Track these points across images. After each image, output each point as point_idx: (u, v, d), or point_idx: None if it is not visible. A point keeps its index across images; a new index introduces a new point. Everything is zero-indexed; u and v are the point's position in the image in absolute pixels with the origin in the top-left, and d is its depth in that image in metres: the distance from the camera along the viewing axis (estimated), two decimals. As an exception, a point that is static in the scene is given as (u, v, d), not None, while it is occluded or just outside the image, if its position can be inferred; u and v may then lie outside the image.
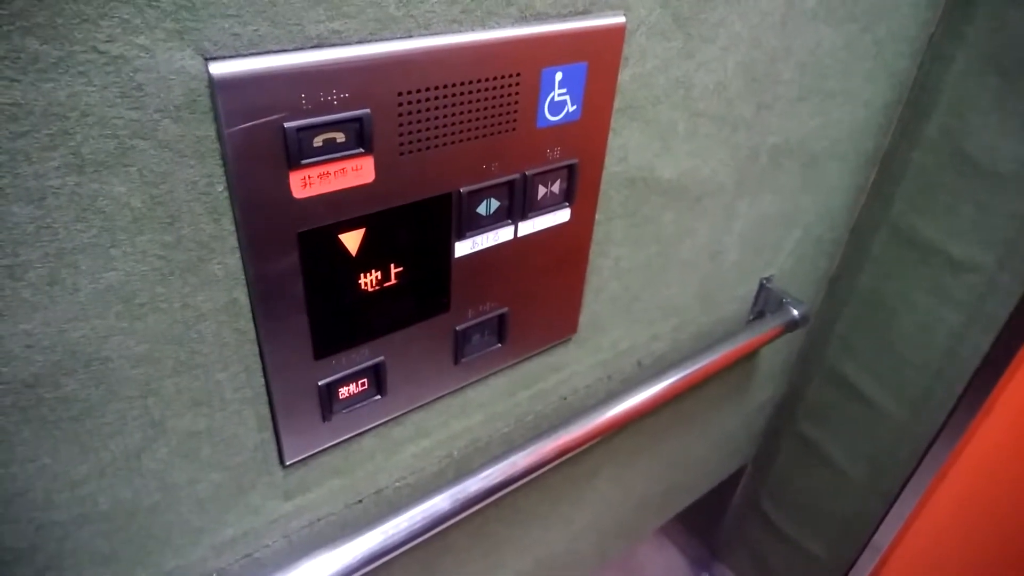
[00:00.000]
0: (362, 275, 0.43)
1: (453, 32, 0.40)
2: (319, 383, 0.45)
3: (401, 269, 0.45)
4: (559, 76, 0.46)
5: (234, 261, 0.38)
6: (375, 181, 0.40)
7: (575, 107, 0.48)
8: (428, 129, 0.41)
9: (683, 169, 0.62)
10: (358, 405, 0.49)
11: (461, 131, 0.43)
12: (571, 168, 0.51)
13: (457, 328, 0.52)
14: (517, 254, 0.52)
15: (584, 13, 0.46)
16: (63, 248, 0.32)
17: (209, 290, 0.38)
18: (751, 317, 0.90)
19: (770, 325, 0.85)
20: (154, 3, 0.30)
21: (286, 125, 0.35)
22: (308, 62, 0.35)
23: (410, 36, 0.38)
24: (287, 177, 0.37)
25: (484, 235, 0.48)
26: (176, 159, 0.33)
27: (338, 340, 0.45)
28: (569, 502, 0.83)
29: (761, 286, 0.87)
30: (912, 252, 0.89)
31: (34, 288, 0.32)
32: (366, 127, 0.38)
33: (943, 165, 0.82)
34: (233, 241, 0.37)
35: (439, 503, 0.55)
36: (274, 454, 0.47)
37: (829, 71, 0.70)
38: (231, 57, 0.33)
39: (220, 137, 0.34)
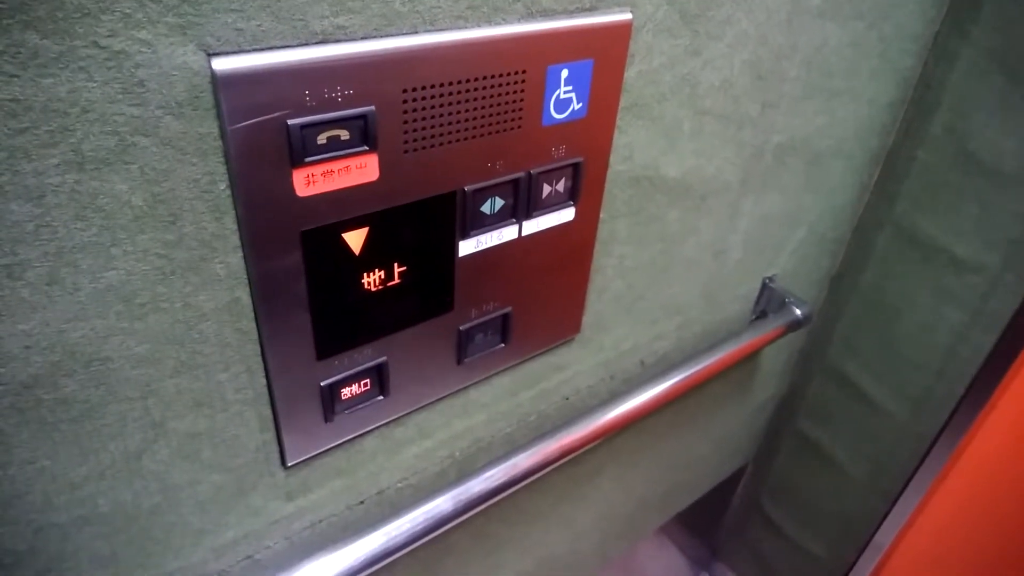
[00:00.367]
0: (365, 274, 0.43)
1: (459, 28, 0.39)
2: (321, 384, 0.45)
3: (405, 268, 0.44)
4: (565, 73, 0.45)
5: (236, 260, 0.37)
6: (379, 179, 0.40)
7: (581, 105, 0.48)
8: (433, 127, 0.41)
9: (688, 167, 0.61)
10: (360, 406, 0.48)
11: (466, 129, 0.42)
12: (576, 167, 0.50)
13: (460, 328, 0.51)
14: (521, 253, 0.51)
15: (591, 10, 0.45)
16: (63, 247, 0.31)
17: (211, 290, 0.37)
18: (754, 316, 0.89)
19: (773, 325, 0.84)
20: (156, -3, 0.29)
21: (289, 122, 0.35)
22: (312, 58, 0.34)
23: (415, 32, 0.38)
24: (290, 175, 0.36)
25: (488, 234, 0.48)
26: (178, 156, 0.33)
27: (341, 340, 0.44)
28: (571, 502, 0.82)
29: (764, 285, 0.86)
30: (915, 251, 0.88)
31: (33, 288, 0.31)
32: (370, 124, 0.37)
33: (947, 164, 0.82)
34: (235, 240, 0.37)
35: (441, 504, 0.55)
36: (276, 455, 0.46)
37: (835, 69, 0.69)
38: (234, 53, 0.32)
39: (223, 134, 0.33)
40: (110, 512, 0.40)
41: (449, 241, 0.46)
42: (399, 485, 0.56)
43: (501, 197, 0.47)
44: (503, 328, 0.55)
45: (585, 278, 0.59)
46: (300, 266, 0.39)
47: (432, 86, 0.39)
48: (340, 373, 0.45)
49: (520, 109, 0.44)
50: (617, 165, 0.54)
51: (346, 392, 0.47)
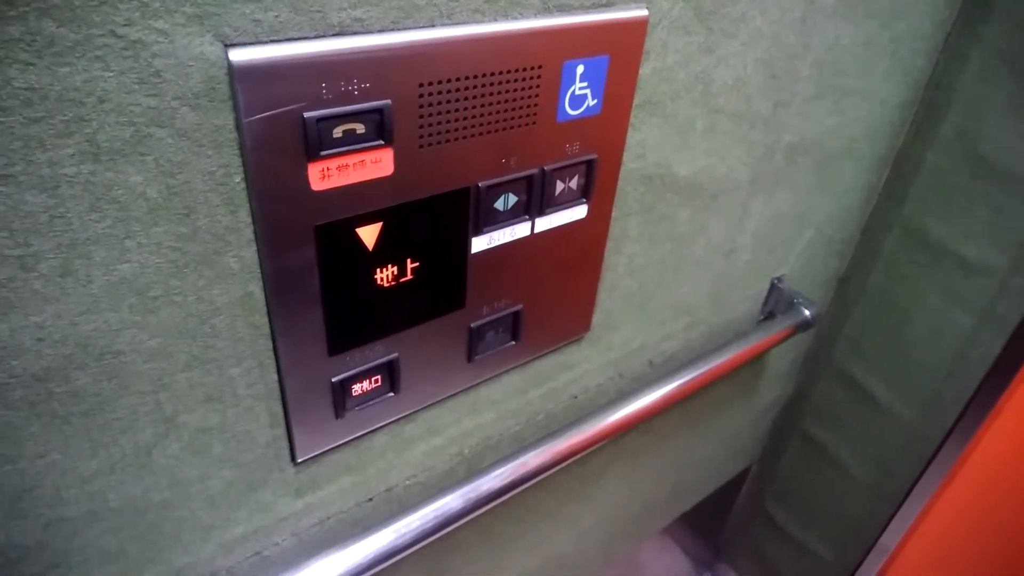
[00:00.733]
0: (378, 270, 0.42)
1: (476, 22, 0.39)
2: (333, 380, 0.44)
3: (417, 264, 0.44)
4: (581, 69, 0.45)
5: (250, 254, 0.37)
6: (394, 174, 0.39)
7: (596, 101, 0.47)
8: (448, 121, 0.40)
9: (700, 166, 0.61)
10: (371, 402, 0.48)
11: (481, 124, 0.42)
12: (590, 164, 0.50)
13: (472, 325, 0.51)
14: (533, 250, 0.51)
15: (607, 5, 0.45)
16: (76, 239, 0.31)
17: (224, 283, 0.37)
18: (762, 317, 0.89)
19: (781, 325, 0.84)
20: (174, -14, 0.29)
21: (306, 115, 0.34)
22: (329, 50, 0.34)
23: (433, 26, 0.37)
24: (306, 169, 0.36)
25: (501, 231, 0.48)
26: (193, 148, 0.32)
27: (353, 336, 0.44)
28: (577, 501, 0.82)
29: (772, 286, 0.86)
30: (924, 253, 0.88)
31: (46, 279, 0.31)
32: (386, 118, 0.37)
33: (957, 166, 0.82)
34: (249, 234, 0.36)
35: (450, 502, 0.54)
36: (286, 451, 0.46)
37: (847, 69, 0.69)
38: (251, 44, 0.32)
39: (238, 126, 0.33)
40: (120, 507, 0.40)
41: (462, 237, 0.46)
42: (408, 482, 0.56)
43: (514, 194, 0.47)
44: (514, 326, 0.54)
45: (596, 276, 0.59)
46: (313, 261, 0.39)
47: (448, 80, 0.39)
48: (351, 369, 0.45)
49: (535, 105, 0.44)
50: (630, 163, 0.54)
51: (357, 388, 0.46)
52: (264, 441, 0.44)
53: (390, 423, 0.51)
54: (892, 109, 0.80)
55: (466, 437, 0.59)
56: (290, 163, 0.35)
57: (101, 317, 0.33)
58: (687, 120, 0.56)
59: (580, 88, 0.46)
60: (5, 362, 0.32)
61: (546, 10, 0.42)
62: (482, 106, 0.41)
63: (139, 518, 0.41)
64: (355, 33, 0.35)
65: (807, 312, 0.85)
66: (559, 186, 0.49)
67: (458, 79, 0.39)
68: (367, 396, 0.47)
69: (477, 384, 0.56)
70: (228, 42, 0.31)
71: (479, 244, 0.47)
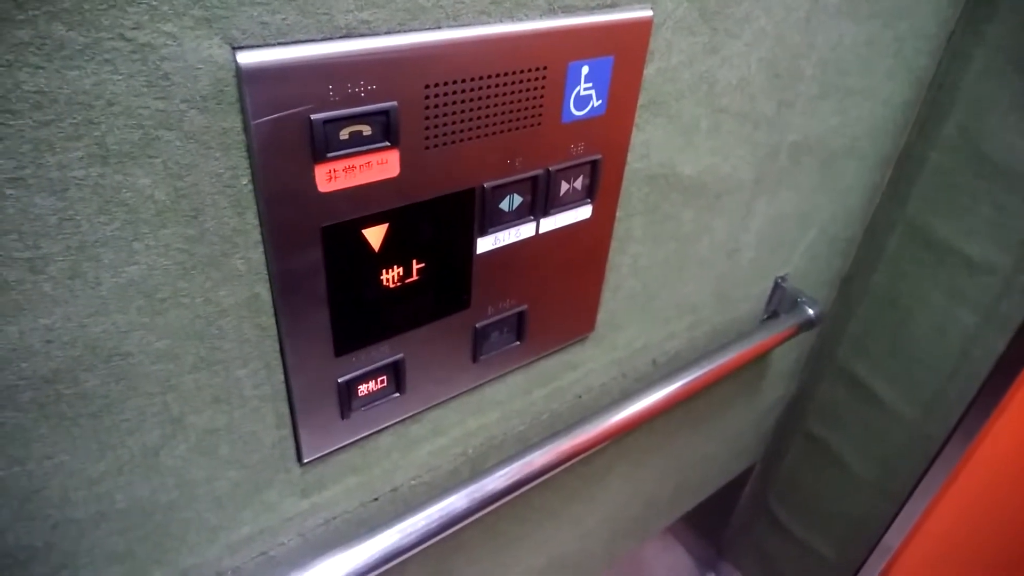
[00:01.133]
0: (384, 271, 0.42)
1: (482, 24, 0.39)
2: (339, 380, 0.45)
3: (423, 265, 0.44)
4: (585, 70, 0.45)
5: (257, 256, 0.37)
6: (400, 175, 0.39)
7: (600, 102, 0.47)
8: (454, 123, 0.40)
9: (704, 166, 0.61)
10: (377, 403, 0.48)
11: (486, 125, 0.42)
12: (594, 164, 0.50)
13: (477, 325, 0.51)
14: (538, 251, 0.51)
15: (612, 6, 0.45)
16: (85, 241, 0.31)
17: (231, 285, 0.37)
18: (765, 316, 0.89)
19: (784, 325, 0.84)
20: (182, -11, 0.29)
21: (313, 117, 0.34)
22: (336, 52, 0.34)
23: (439, 27, 0.38)
24: (312, 170, 0.36)
25: (506, 231, 0.48)
26: (201, 151, 0.32)
27: (359, 337, 0.44)
28: (581, 501, 0.82)
29: (776, 285, 0.86)
30: (927, 252, 0.88)
31: (55, 282, 0.31)
32: (392, 120, 0.37)
33: (961, 165, 0.81)
34: (257, 235, 0.36)
35: (455, 502, 0.55)
36: (292, 451, 0.46)
37: (850, 68, 0.69)
38: (259, 47, 0.32)
39: (246, 129, 0.33)
40: (127, 508, 0.40)
41: (467, 238, 0.46)
42: (413, 483, 0.56)
43: (519, 194, 0.47)
44: (518, 326, 0.54)
45: (600, 276, 0.59)
46: (320, 262, 0.39)
47: (454, 82, 0.39)
48: (357, 370, 0.45)
49: (540, 106, 0.44)
50: (634, 163, 0.54)
51: (363, 389, 0.46)
52: (270, 442, 0.44)
53: (395, 423, 0.51)
54: (895, 108, 0.80)
55: (471, 437, 0.59)
56: (297, 165, 0.35)
57: (109, 319, 0.34)
58: (691, 120, 0.56)
59: (585, 89, 0.46)
60: (14, 364, 0.32)
61: (551, 11, 0.42)
62: (487, 107, 0.41)
63: (146, 519, 0.41)
64: (362, 35, 0.35)
65: (810, 311, 0.85)
66: (564, 187, 0.49)
67: (464, 80, 0.39)
68: (373, 396, 0.47)
69: (482, 384, 0.56)
70: (236, 45, 0.31)
71: (484, 245, 0.47)
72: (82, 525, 0.38)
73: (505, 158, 0.44)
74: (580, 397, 0.68)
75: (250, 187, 0.35)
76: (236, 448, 0.43)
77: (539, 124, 0.45)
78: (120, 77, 0.29)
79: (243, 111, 0.33)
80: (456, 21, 0.38)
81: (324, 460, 0.48)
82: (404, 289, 0.44)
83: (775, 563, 1.30)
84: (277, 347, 0.41)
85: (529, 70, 0.42)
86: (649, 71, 0.50)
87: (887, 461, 1.02)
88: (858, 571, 1.11)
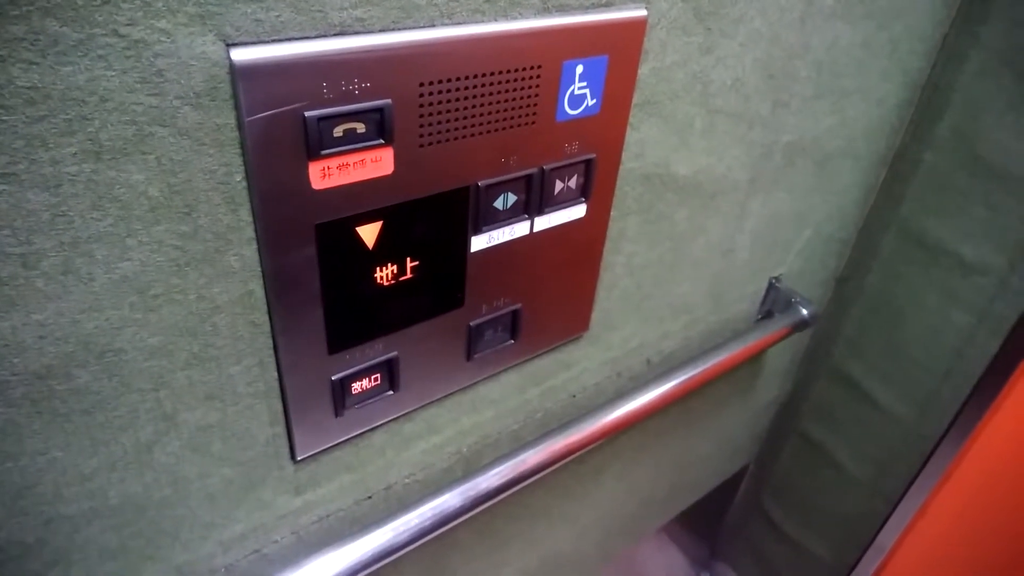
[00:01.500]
0: (378, 269, 0.42)
1: (476, 22, 0.39)
2: (332, 378, 0.45)
3: (417, 263, 0.44)
4: (580, 69, 0.45)
5: (251, 253, 0.37)
6: (394, 173, 0.40)
7: (594, 101, 0.47)
8: (448, 121, 0.40)
9: (698, 166, 0.61)
10: (371, 400, 0.48)
11: (481, 124, 0.42)
12: (589, 163, 0.50)
13: (471, 324, 0.51)
14: (532, 249, 0.51)
15: (606, 5, 0.45)
16: (78, 237, 0.31)
17: (225, 282, 0.37)
18: (759, 316, 0.89)
19: (779, 325, 0.84)
20: (176, -14, 0.29)
21: (307, 114, 0.34)
22: (330, 50, 0.34)
23: (433, 25, 0.38)
24: (306, 168, 0.36)
25: (500, 230, 0.48)
26: (195, 147, 0.32)
27: (353, 334, 0.44)
28: (575, 500, 0.82)
29: (770, 285, 0.86)
30: (922, 253, 0.88)
31: (48, 277, 0.31)
32: (387, 118, 0.37)
33: (955, 166, 0.82)
34: (250, 232, 0.36)
35: (448, 500, 0.55)
36: (285, 449, 0.46)
37: (845, 69, 0.69)
38: (253, 43, 0.32)
39: (240, 125, 0.33)
40: (120, 504, 0.40)
41: (462, 236, 0.46)
42: (407, 481, 0.56)
43: (514, 193, 0.47)
44: (513, 325, 0.54)
45: (595, 275, 0.59)
46: (314, 259, 0.39)
47: (448, 80, 0.39)
48: (351, 367, 0.45)
49: (535, 104, 0.44)
50: (629, 162, 0.54)
51: (357, 387, 0.46)
52: (264, 439, 0.44)
53: (389, 421, 0.51)
54: (890, 109, 0.80)
55: (465, 436, 0.59)
56: (291, 162, 0.35)
57: (102, 315, 0.34)
58: (686, 120, 0.56)
59: (579, 88, 0.46)
60: (7, 360, 0.32)
61: (545, 10, 0.42)
62: (482, 105, 0.41)
63: (139, 515, 0.41)
64: (356, 33, 0.35)
65: (805, 311, 0.85)
66: (558, 185, 0.49)
67: (458, 79, 0.39)
68: (367, 394, 0.48)
69: (476, 383, 0.56)
70: (230, 41, 0.31)
71: (478, 243, 0.47)
72: (75, 521, 0.38)
73: (499, 157, 0.44)
74: (574, 396, 0.68)
75: (244, 184, 0.35)
76: (229, 445, 0.43)
77: (533, 123, 0.45)
78: (114, 73, 0.29)
79: (237, 108, 0.33)
80: (450, 19, 0.38)
81: (318, 458, 0.48)
82: (398, 287, 0.44)
83: (769, 563, 1.30)
84: (271, 344, 0.41)
85: (523, 69, 0.42)
86: (643, 71, 0.50)
87: (881, 461, 1.02)
88: (852, 571, 1.11)
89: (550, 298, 0.56)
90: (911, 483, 0.98)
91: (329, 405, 0.46)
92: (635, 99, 0.51)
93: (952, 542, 1.04)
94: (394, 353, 0.47)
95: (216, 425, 0.41)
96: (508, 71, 0.41)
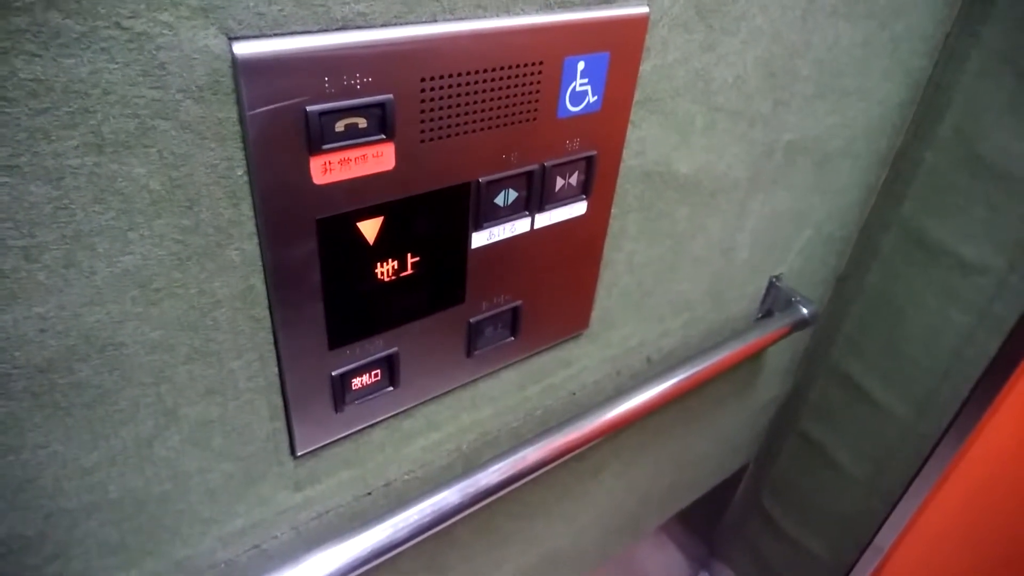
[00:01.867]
0: (379, 264, 0.42)
1: (478, 17, 0.39)
2: (333, 373, 0.45)
3: (418, 259, 0.44)
4: (581, 66, 0.45)
5: (252, 247, 0.37)
6: (395, 168, 0.40)
7: (596, 98, 0.47)
8: (449, 116, 0.40)
9: (699, 164, 0.61)
10: (371, 396, 0.48)
11: (482, 119, 0.42)
12: (590, 160, 0.50)
13: (471, 320, 0.51)
14: (533, 246, 0.51)
15: (608, 2, 0.45)
16: (80, 230, 0.31)
17: (226, 276, 0.37)
18: (759, 315, 0.89)
19: (779, 324, 0.84)
20: (179, -21, 0.29)
21: (308, 109, 0.34)
22: (332, 44, 0.34)
23: (435, 21, 0.38)
24: (308, 162, 0.36)
25: (501, 226, 0.48)
26: (197, 141, 0.32)
27: (353, 330, 0.44)
28: (574, 498, 0.82)
29: (771, 284, 0.86)
30: (922, 253, 0.88)
31: (49, 271, 0.31)
32: (388, 113, 0.37)
33: (956, 166, 0.82)
34: (251, 227, 0.36)
35: (448, 497, 0.55)
36: (285, 444, 0.46)
37: (846, 68, 0.69)
38: (255, 37, 0.32)
39: (242, 120, 0.33)
40: (120, 499, 0.40)
41: (462, 232, 0.46)
42: (406, 477, 0.56)
43: (515, 189, 0.47)
44: (513, 322, 0.54)
45: (595, 273, 0.59)
46: (315, 254, 0.39)
47: (450, 75, 0.39)
48: (351, 363, 0.45)
49: (536, 101, 0.44)
50: (629, 160, 0.54)
51: (357, 382, 0.46)
52: (264, 434, 0.44)
53: (389, 418, 0.51)
54: (891, 108, 0.80)
55: (464, 432, 0.59)
56: (292, 157, 0.35)
57: (104, 309, 0.34)
58: (687, 118, 0.56)
59: (581, 84, 0.46)
60: (8, 353, 0.32)
61: (547, 6, 0.42)
62: (483, 101, 0.41)
63: (139, 510, 0.41)
64: (358, 27, 0.35)
65: (805, 311, 0.85)
66: (559, 182, 0.49)
67: (460, 74, 0.39)
68: (367, 390, 0.48)
69: (476, 380, 0.56)
70: (232, 35, 0.31)
71: (479, 239, 0.47)
72: (75, 515, 0.38)
73: (500, 153, 0.44)
74: (574, 394, 0.68)
75: (245, 178, 0.35)
76: (229, 440, 0.43)
77: (535, 119, 0.45)
78: (116, 66, 0.29)
79: (239, 102, 0.33)
80: (452, 15, 0.38)
81: (317, 453, 0.48)
82: (399, 283, 0.44)
83: (768, 562, 1.31)
84: (271, 339, 0.41)
85: (525, 65, 0.42)
86: (645, 68, 0.50)
87: (880, 461, 1.02)
88: (851, 570, 1.11)
89: (550, 295, 0.56)
90: (910, 483, 0.98)
91: (329, 401, 0.46)
92: (636, 96, 0.51)
93: (950, 542, 1.04)
94: (394, 349, 0.47)
95: (216, 420, 0.41)
96: (510, 67, 0.41)
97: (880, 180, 0.89)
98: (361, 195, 0.39)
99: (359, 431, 0.50)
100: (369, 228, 0.41)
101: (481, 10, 0.39)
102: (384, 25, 0.36)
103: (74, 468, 0.37)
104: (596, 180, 0.52)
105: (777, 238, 0.80)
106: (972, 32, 0.76)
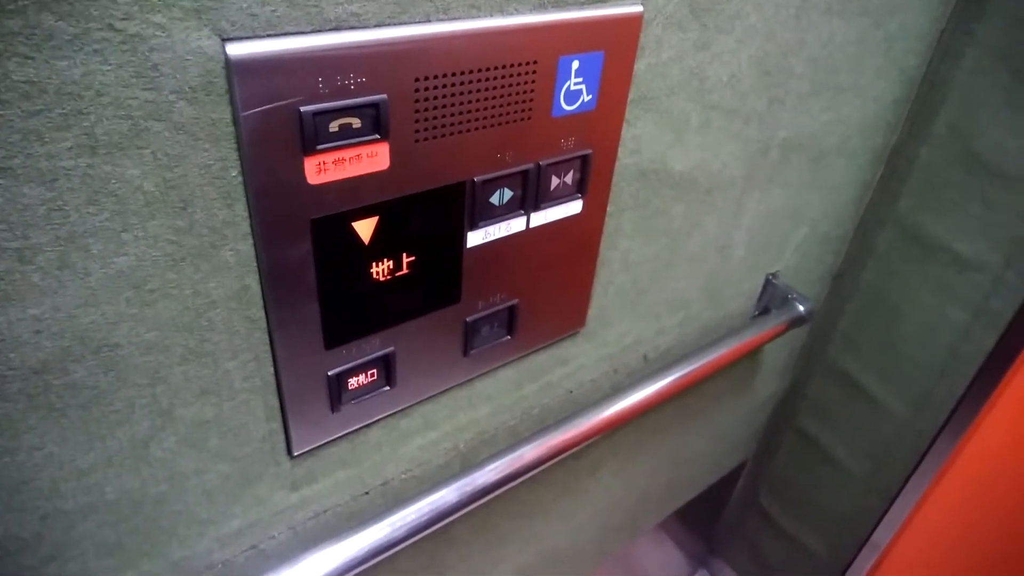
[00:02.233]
0: (374, 264, 0.43)
1: (472, 17, 0.39)
2: (329, 373, 0.45)
3: (413, 258, 0.44)
4: (576, 65, 0.45)
5: (246, 248, 0.37)
6: (390, 168, 0.40)
7: (590, 97, 0.47)
8: (444, 116, 0.40)
9: (694, 162, 0.61)
10: (367, 396, 0.48)
11: (477, 119, 0.42)
12: (585, 159, 0.50)
13: (467, 319, 0.51)
14: (528, 245, 0.51)
15: (602, 1, 0.45)
16: (74, 231, 0.31)
17: (221, 277, 0.37)
18: (756, 312, 0.89)
19: (775, 321, 0.84)
20: (171, -20, 0.29)
21: (302, 109, 0.34)
22: (326, 45, 0.34)
23: (428, 20, 0.38)
24: (302, 162, 0.36)
25: (496, 225, 0.48)
26: (190, 142, 0.33)
27: (349, 330, 0.44)
28: (572, 496, 0.82)
29: (767, 281, 0.86)
30: (918, 249, 0.89)
31: (44, 272, 0.31)
32: (382, 113, 0.37)
33: (951, 163, 0.82)
34: (246, 227, 0.36)
35: (445, 496, 0.55)
36: (282, 445, 0.46)
37: (840, 66, 0.69)
38: (248, 38, 0.32)
39: (235, 120, 0.33)
40: (116, 500, 0.40)
41: (458, 232, 0.46)
42: (403, 476, 0.56)
43: (510, 188, 0.47)
44: (509, 320, 0.55)
45: (591, 271, 0.59)
46: (310, 254, 0.39)
47: (444, 75, 0.39)
48: (347, 363, 0.45)
49: (530, 100, 0.44)
50: (625, 158, 0.54)
51: (353, 382, 0.46)
52: (260, 435, 0.44)
53: (385, 417, 0.51)
54: (886, 106, 0.80)
55: (461, 431, 0.59)
56: (286, 157, 0.35)
57: (98, 310, 0.34)
58: (682, 116, 0.57)
59: (575, 83, 0.46)
60: (3, 355, 0.32)
61: (541, 6, 0.42)
62: (477, 101, 0.41)
63: (136, 511, 0.41)
64: (351, 28, 0.35)
65: (801, 308, 0.86)
66: (554, 181, 0.49)
67: (454, 74, 0.39)
68: (363, 390, 0.48)
69: (472, 378, 0.56)
70: (225, 36, 0.31)
71: (474, 238, 0.47)
72: (71, 516, 0.39)
73: (495, 152, 0.44)
74: (571, 392, 0.69)
75: (239, 179, 0.35)
76: (226, 441, 0.43)
77: (529, 118, 0.45)
78: (109, 68, 0.29)
79: (232, 103, 0.33)
80: (446, 14, 0.38)
81: (314, 453, 0.48)
82: (394, 282, 0.44)
83: (766, 559, 1.31)
84: (267, 339, 0.41)
85: (519, 64, 0.42)
86: (639, 66, 0.50)
87: (878, 457, 1.02)
88: (848, 566, 1.11)
89: (546, 294, 0.56)
90: (907, 479, 0.99)
91: (325, 400, 0.46)
92: (631, 95, 0.51)
93: (948, 538, 1.05)
94: (390, 348, 0.47)
95: (212, 421, 0.41)
96: (504, 67, 0.41)
97: (876, 177, 0.89)
98: (356, 195, 0.39)
99: (356, 431, 0.50)
100: (364, 228, 0.41)
101: (475, 10, 0.39)
102: (377, 25, 0.36)
103: (70, 469, 0.37)
104: (591, 179, 0.52)
105: (773, 236, 0.80)
106: (967, 29, 0.76)
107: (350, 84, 0.36)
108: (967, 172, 0.81)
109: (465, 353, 0.53)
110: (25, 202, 0.29)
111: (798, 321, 0.86)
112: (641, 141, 0.55)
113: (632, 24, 0.47)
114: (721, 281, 0.78)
